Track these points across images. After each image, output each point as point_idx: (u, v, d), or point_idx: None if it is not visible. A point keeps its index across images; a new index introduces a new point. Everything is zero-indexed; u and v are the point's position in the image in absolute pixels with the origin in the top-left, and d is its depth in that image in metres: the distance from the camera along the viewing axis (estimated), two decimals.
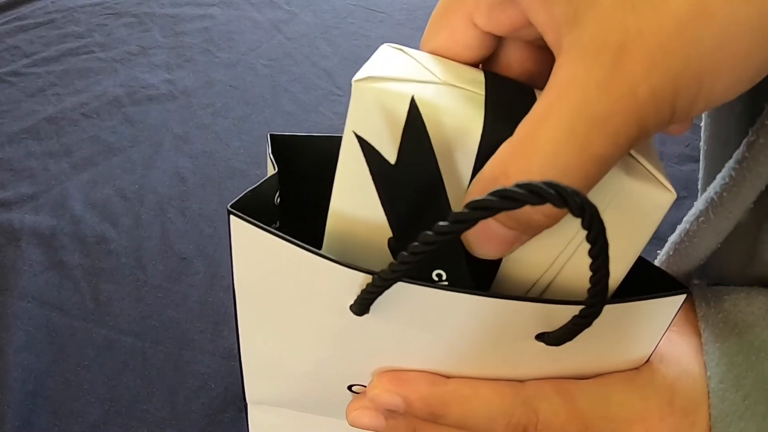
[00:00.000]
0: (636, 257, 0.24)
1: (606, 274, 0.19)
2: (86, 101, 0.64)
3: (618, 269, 0.24)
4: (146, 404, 0.40)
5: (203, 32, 0.77)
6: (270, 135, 0.30)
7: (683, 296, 0.24)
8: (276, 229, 0.24)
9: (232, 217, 0.23)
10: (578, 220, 0.19)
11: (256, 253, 0.24)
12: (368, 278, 0.22)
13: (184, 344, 0.43)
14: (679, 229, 0.31)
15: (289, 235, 0.23)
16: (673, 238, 0.31)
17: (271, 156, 0.29)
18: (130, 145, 0.60)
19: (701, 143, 0.34)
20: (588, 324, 0.22)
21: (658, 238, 0.55)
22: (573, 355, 0.26)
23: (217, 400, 0.40)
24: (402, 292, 0.22)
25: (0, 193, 0.53)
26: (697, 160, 0.60)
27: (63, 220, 0.51)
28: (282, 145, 0.30)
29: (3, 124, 0.61)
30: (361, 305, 0.23)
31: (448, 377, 0.26)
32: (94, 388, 0.41)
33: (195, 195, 0.54)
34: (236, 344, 0.29)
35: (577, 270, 0.24)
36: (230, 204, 0.23)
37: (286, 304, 0.26)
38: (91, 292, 0.46)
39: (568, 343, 0.24)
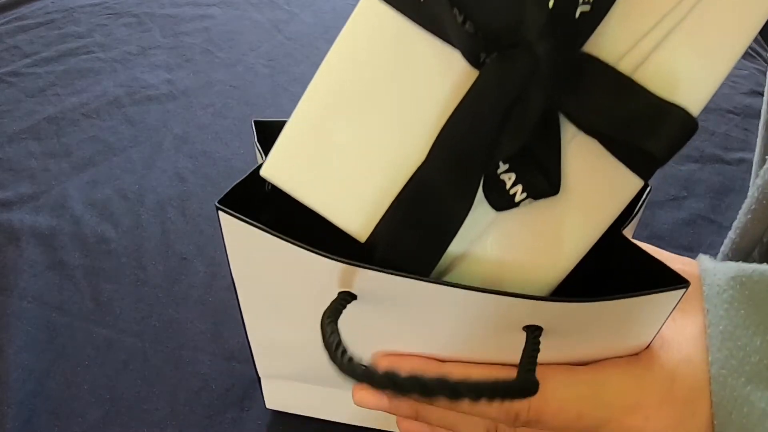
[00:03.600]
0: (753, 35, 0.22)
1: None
2: (86, 101, 0.64)
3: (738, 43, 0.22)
4: (146, 404, 0.40)
5: (203, 32, 0.77)
6: (254, 121, 0.31)
7: (682, 291, 0.24)
8: (271, 216, 0.25)
9: (221, 213, 0.24)
10: None
11: (248, 245, 0.25)
12: (349, 269, 0.23)
13: (184, 344, 0.43)
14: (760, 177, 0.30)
15: (283, 221, 0.24)
16: (758, 181, 0.30)
17: (258, 144, 0.29)
18: (130, 145, 0.60)
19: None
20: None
21: (657, 238, 0.55)
22: (569, 344, 0.26)
23: (218, 401, 0.40)
24: (386, 282, 0.23)
25: (0, 193, 0.53)
26: (697, 161, 0.60)
27: (63, 220, 0.51)
28: (268, 131, 0.30)
29: (3, 124, 0.61)
30: (332, 316, 0.23)
31: (444, 361, 0.26)
32: (94, 388, 0.41)
33: (195, 195, 0.54)
34: (242, 328, 0.30)
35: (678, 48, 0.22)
36: (219, 200, 0.24)
37: (282, 291, 0.27)
38: (91, 292, 0.46)
39: (563, 333, 0.24)
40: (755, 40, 0.80)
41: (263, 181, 0.29)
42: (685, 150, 0.62)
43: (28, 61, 0.70)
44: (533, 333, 0.24)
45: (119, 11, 0.80)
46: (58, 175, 0.56)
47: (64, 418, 0.39)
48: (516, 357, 0.26)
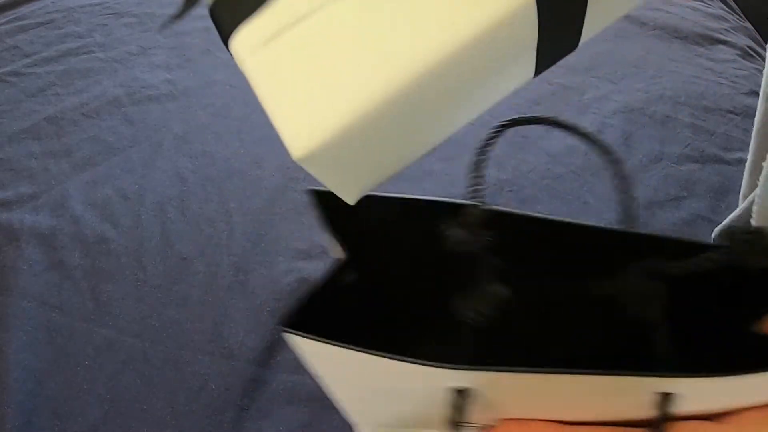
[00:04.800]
0: None
1: None
2: (86, 101, 0.64)
3: None
4: (146, 404, 0.40)
5: (203, 32, 0.77)
6: (312, 191, 0.26)
7: None
8: (360, 303, 0.24)
9: (290, 336, 0.23)
10: None
11: (328, 359, 0.24)
12: (445, 372, 0.22)
13: (184, 344, 0.43)
14: None
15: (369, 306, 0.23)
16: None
17: (332, 231, 0.26)
18: (130, 145, 0.60)
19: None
20: None
21: None
22: (709, 402, 0.24)
23: (218, 400, 0.40)
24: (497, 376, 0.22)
25: (0, 193, 0.53)
26: (697, 161, 0.60)
27: (63, 220, 0.51)
28: (331, 203, 0.26)
29: (3, 124, 0.61)
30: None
31: (571, 423, 0.26)
32: (94, 388, 0.41)
33: (195, 195, 0.54)
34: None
35: None
36: (283, 321, 0.22)
37: (380, 393, 0.26)
38: (91, 292, 0.46)
39: (700, 399, 0.23)
40: (755, 40, 0.80)
41: (341, 280, 0.27)
42: (685, 150, 0.62)
43: (28, 61, 0.70)
44: (664, 403, 0.22)
45: (119, 11, 0.79)
46: (58, 175, 0.56)
47: (64, 418, 0.39)
48: (644, 412, 0.24)
